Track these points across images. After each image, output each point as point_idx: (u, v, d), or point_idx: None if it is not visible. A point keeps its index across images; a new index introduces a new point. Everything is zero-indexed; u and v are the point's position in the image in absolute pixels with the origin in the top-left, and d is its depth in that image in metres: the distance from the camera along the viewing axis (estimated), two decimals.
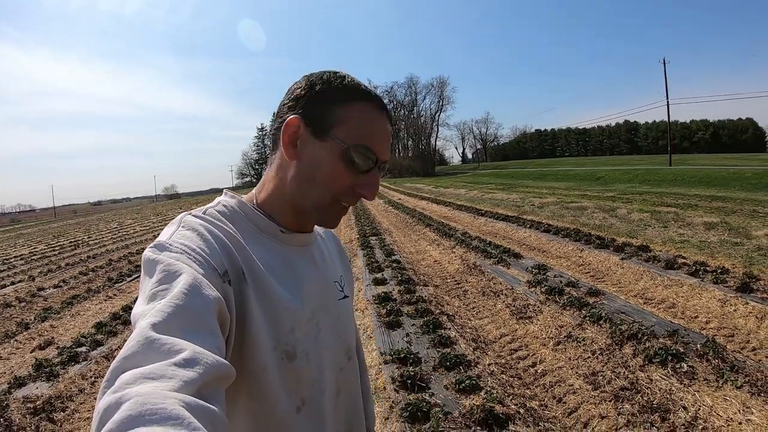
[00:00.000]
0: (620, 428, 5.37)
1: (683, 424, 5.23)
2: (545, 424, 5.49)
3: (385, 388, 6.21)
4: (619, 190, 37.08)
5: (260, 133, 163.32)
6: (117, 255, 23.53)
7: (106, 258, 22.60)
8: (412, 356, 6.90)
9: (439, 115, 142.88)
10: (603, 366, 6.76)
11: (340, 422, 1.45)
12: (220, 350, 0.90)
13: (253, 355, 1.15)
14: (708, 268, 10.97)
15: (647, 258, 12.59)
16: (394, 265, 13.54)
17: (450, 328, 8.05)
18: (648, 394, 5.85)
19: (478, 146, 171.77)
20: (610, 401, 5.85)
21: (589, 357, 7.10)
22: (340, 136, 1.23)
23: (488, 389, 5.74)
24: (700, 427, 5.14)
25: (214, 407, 0.74)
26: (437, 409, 5.38)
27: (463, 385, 5.92)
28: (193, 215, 1.23)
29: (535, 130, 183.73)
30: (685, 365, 6.31)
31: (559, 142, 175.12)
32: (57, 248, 30.61)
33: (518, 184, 50.96)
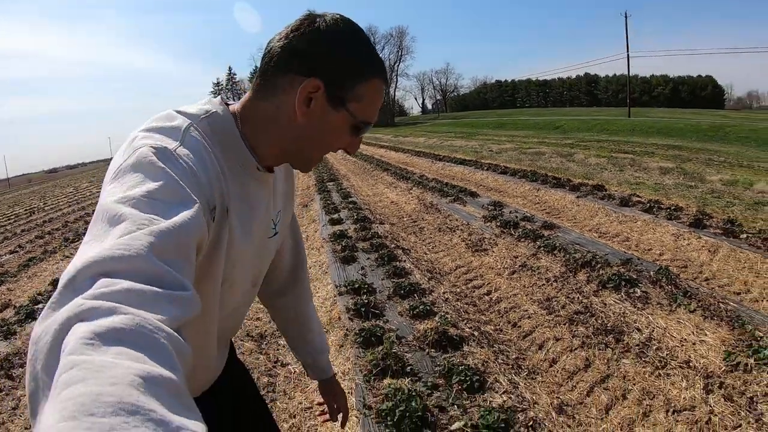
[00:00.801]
0: (575, 349, 5.33)
1: (637, 345, 5.20)
2: (500, 346, 5.43)
3: (339, 318, 6.07)
4: (578, 138, 37.31)
5: (216, 88, 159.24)
6: (73, 217, 22.92)
7: (62, 221, 21.95)
8: (366, 287, 6.77)
9: (398, 66, 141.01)
10: (557, 292, 6.74)
11: (226, 335, 1.67)
12: (192, 280, 0.93)
13: (207, 285, 1.25)
14: (662, 206, 11.02)
15: (602, 196, 12.62)
16: (351, 206, 13.31)
17: (405, 261, 7.90)
18: (602, 317, 5.82)
19: (438, 97, 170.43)
20: (564, 324, 5.82)
21: (543, 284, 7.08)
22: (353, 110, 1.28)
23: (442, 314, 5.62)
24: (654, 347, 5.12)
25: (186, 344, 0.76)
26: (391, 333, 5.28)
27: (417, 311, 5.80)
28: (194, 128, 1.22)
29: (496, 81, 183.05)
30: (638, 290, 6.28)
31: (519, 93, 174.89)
32: (12, 217, 29.45)
33: (477, 133, 50.91)
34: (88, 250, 0.83)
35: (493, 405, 3.93)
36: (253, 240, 1.41)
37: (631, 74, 72.42)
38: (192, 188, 1.04)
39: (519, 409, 3.95)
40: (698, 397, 4.28)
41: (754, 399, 4.15)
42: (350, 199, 14.63)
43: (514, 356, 5.30)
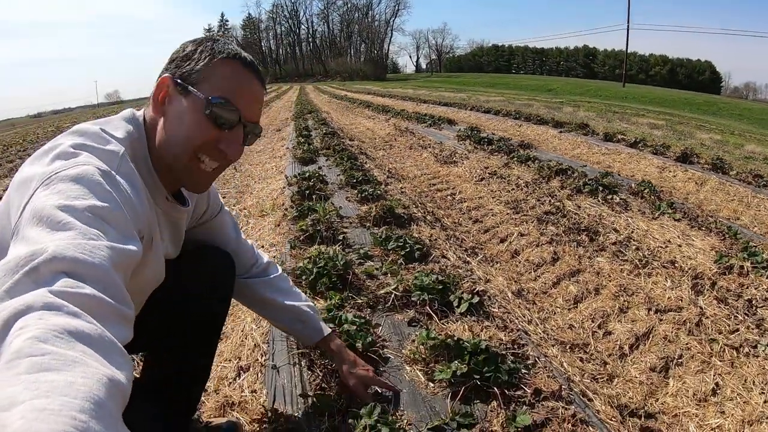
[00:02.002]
0: (542, 245, 4.70)
1: (614, 243, 4.57)
2: (455, 233, 4.80)
3: (283, 203, 5.41)
4: (569, 98, 36.65)
5: (208, 34, 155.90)
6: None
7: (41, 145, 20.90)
8: (318, 176, 6.07)
9: (393, 20, 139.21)
10: (527, 196, 6.14)
11: None
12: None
13: None
14: (647, 144, 10.39)
15: (586, 132, 12.08)
16: (324, 129, 12.53)
17: (366, 164, 7.23)
18: (575, 218, 5.20)
19: (433, 56, 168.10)
20: (531, 223, 5.19)
21: (513, 189, 6.46)
22: (201, 91, 1.32)
23: (394, 200, 4.94)
24: (634, 247, 4.48)
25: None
26: (331, 209, 4.60)
27: (366, 194, 5.12)
28: (126, 156, 1.25)
29: (492, 45, 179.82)
30: (617, 197, 5.67)
31: (515, 59, 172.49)
32: None
33: (468, 89, 50.17)
34: (39, 242, 0.88)
35: (434, 271, 3.25)
36: (157, 267, 1.44)
37: (629, 51, 71.46)
38: (131, 216, 1.10)
39: (465, 279, 3.29)
40: (686, 298, 3.67)
41: (753, 303, 3.56)
42: (324, 124, 13.92)
43: (470, 244, 4.65)
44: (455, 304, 2.88)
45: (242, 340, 2.94)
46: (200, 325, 1.81)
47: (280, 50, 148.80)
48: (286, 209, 5.01)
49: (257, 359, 2.67)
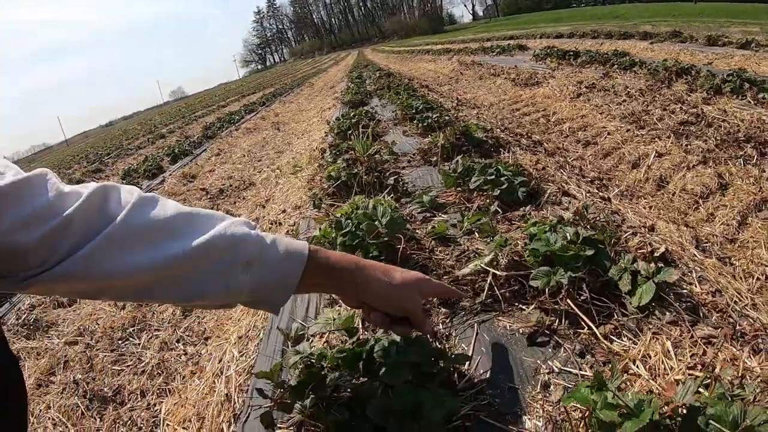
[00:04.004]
0: (694, 166, 3.17)
1: None
2: (565, 159, 3.29)
3: (322, 155, 4.03)
4: (642, 21, 33.99)
5: (257, 16, 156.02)
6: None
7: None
8: (364, 112, 4.71)
9: None
10: (647, 106, 4.64)
11: None
12: None
13: None
14: (761, 43, 8.42)
15: (682, 40, 10.51)
16: (378, 74, 11.09)
17: (429, 96, 5.75)
18: (726, 127, 3.66)
19: (488, 1, 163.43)
20: (667, 138, 3.66)
21: (624, 101, 4.97)
22: None
23: (470, 123, 3.44)
24: None
25: None
26: (380, 146, 3.16)
27: (430, 122, 3.65)
28: None
29: None
30: None
31: None
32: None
33: (532, 26, 47.75)
34: None
35: (566, 220, 1.75)
36: None
37: None
38: None
39: (623, 231, 1.79)
40: None
41: None
42: (379, 70, 12.47)
43: (591, 175, 3.12)
44: (623, 285, 1.39)
45: (214, 383, 1.63)
46: None
47: (333, 20, 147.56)
48: (322, 160, 3.62)
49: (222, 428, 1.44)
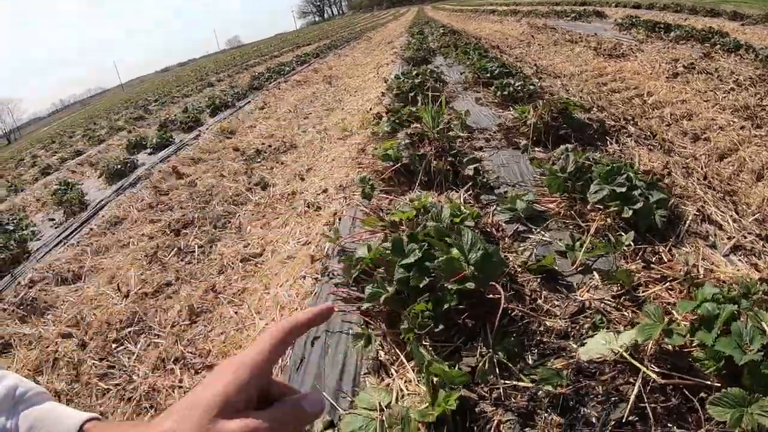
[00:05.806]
0: None
1: None
2: (684, 161, 2.62)
3: (376, 118, 3.42)
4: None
5: None
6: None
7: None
8: (429, 72, 4.12)
9: None
10: (761, 99, 3.94)
11: None
12: None
13: None
14: None
15: None
16: (442, 30, 10.37)
17: (502, 58, 5.08)
18: None
19: None
20: None
21: (732, 89, 4.25)
22: None
23: (566, 99, 2.79)
24: None
25: None
26: (452, 117, 2.55)
27: (511, 91, 3.00)
28: None
29: None
30: None
31: None
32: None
33: None
34: None
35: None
36: None
37: None
38: None
39: None
40: None
41: None
42: (443, 27, 11.73)
43: (718, 186, 2.45)
44: None
45: None
46: None
47: None
48: (377, 125, 3.01)
49: None
